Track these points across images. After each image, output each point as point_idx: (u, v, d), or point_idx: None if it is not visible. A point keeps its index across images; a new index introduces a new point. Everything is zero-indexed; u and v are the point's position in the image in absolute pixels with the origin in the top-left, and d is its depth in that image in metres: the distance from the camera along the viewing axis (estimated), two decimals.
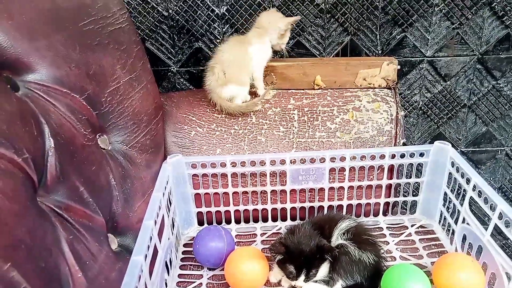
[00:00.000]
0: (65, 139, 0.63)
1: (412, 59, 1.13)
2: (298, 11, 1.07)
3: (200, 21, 1.08)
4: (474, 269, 0.70)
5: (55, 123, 0.63)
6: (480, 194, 0.74)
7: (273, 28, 0.93)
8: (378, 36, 1.10)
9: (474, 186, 0.75)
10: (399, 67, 0.99)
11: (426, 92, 1.16)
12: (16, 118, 0.56)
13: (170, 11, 1.07)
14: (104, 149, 0.74)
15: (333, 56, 1.13)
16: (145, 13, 1.07)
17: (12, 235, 0.50)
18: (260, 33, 0.94)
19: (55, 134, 0.62)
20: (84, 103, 0.69)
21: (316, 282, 0.72)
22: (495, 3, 1.06)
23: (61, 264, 0.57)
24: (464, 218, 0.78)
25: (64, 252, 0.58)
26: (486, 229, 0.71)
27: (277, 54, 1.01)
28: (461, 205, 0.79)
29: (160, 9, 1.07)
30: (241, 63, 0.93)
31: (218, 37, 1.10)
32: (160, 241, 0.68)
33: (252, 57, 0.94)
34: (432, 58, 1.12)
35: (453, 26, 1.09)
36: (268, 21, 0.94)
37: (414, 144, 1.22)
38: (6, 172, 0.52)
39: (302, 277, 0.70)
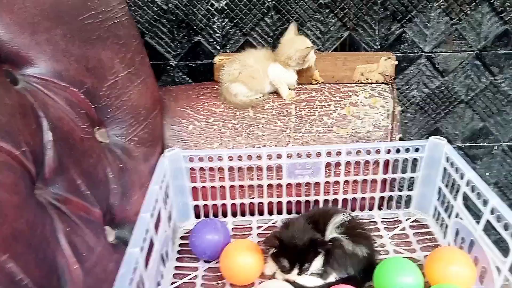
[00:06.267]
0: (64, 133, 0.65)
1: (411, 54, 1.13)
2: (298, 6, 1.08)
3: (199, 15, 1.09)
4: (465, 263, 0.71)
5: (53, 116, 0.64)
6: (473, 189, 0.75)
7: (291, 60, 0.94)
8: (377, 31, 1.10)
9: (468, 181, 0.76)
10: (396, 62, 0.99)
11: (423, 88, 1.17)
12: (15, 112, 0.57)
13: (170, 5, 1.08)
14: (102, 142, 0.76)
15: (332, 51, 1.13)
16: (144, 7, 1.08)
17: (11, 226, 0.51)
18: (283, 61, 0.95)
19: (53, 127, 0.63)
20: (82, 96, 0.70)
21: (310, 275, 0.74)
22: None
23: (59, 256, 0.58)
24: (457, 213, 0.79)
25: (61, 244, 0.59)
26: (478, 223, 0.72)
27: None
28: (455, 199, 0.80)
29: (159, 3, 1.07)
30: (257, 74, 0.95)
31: (218, 31, 1.10)
32: (156, 234, 0.70)
33: (269, 76, 0.95)
34: (430, 54, 1.13)
35: (452, 21, 1.09)
36: (287, 53, 0.94)
37: (412, 139, 1.22)
38: (5, 165, 0.53)
39: (296, 270, 0.71)
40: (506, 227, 0.65)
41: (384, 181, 0.93)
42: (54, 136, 0.62)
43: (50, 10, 0.68)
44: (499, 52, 1.12)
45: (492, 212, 0.69)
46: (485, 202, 0.71)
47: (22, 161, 0.56)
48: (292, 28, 0.96)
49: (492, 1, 1.06)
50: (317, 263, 0.73)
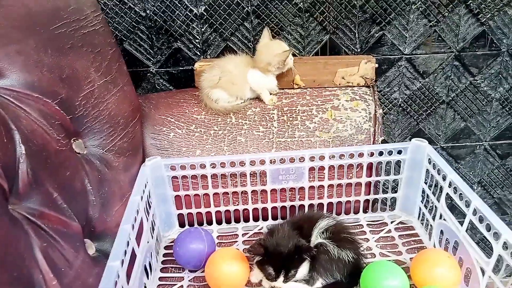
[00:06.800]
0: (38, 145, 0.62)
1: (391, 56, 1.14)
2: (277, 10, 1.07)
3: (178, 21, 1.08)
4: (450, 265, 0.71)
5: (26, 129, 0.62)
6: (455, 190, 0.75)
7: (271, 66, 0.93)
8: (356, 34, 1.11)
9: (450, 183, 0.76)
10: (377, 65, 0.99)
11: (405, 89, 1.17)
12: None
13: (148, 11, 1.06)
14: (79, 153, 0.74)
15: (312, 55, 1.13)
16: (122, 14, 1.06)
17: None
18: (263, 68, 0.94)
19: (26, 140, 0.61)
20: (57, 107, 0.68)
21: (296, 281, 0.73)
22: (470, 1, 1.07)
23: (35, 273, 0.56)
24: (441, 214, 0.80)
25: (37, 260, 0.57)
26: (462, 224, 0.73)
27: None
28: (438, 201, 0.80)
29: (137, 10, 1.06)
30: (237, 80, 0.94)
31: (197, 37, 1.09)
32: (138, 245, 0.68)
33: (249, 82, 0.95)
34: (410, 56, 1.13)
35: (430, 23, 1.10)
36: (266, 60, 0.93)
37: (395, 141, 1.23)
38: None
39: (281, 278, 0.70)
40: (488, 228, 0.65)
41: (368, 184, 0.93)
42: (27, 149, 0.60)
43: (21, 21, 0.66)
44: (478, 52, 1.13)
45: (474, 213, 0.69)
46: (467, 203, 0.71)
47: None
48: (266, 33, 0.96)
49: (468, 3, 1.07)
50: (303, 269, 0.72)
